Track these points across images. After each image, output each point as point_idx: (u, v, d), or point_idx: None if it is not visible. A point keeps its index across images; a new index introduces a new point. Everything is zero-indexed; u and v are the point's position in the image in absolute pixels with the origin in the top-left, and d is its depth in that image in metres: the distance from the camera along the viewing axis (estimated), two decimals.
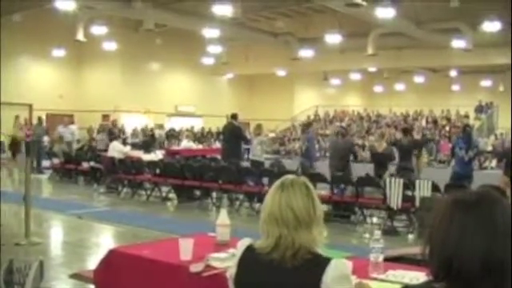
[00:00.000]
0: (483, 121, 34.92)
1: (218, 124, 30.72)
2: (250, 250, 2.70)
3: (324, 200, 12.40)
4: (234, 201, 14.25)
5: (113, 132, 22.59)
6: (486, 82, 39.73)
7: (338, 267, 2.57)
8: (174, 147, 25.18)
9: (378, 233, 3.79)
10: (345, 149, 14.36)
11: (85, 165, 18.92)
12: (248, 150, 18.59)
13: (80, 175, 19.21)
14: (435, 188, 11.03)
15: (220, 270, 3.59)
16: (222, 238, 4.37)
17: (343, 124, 29.95)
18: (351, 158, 14.69)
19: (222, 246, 4.18)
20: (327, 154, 20.32)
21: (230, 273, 2.79)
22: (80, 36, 26.17)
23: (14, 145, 18.31)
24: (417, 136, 15.77)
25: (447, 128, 32.51)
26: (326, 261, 2.56)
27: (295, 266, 2.55)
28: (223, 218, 4.44)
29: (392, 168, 14.11)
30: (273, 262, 2.57)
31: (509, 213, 1.93)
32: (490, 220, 1.89)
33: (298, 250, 2.55)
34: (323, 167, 15.59)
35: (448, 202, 1.99)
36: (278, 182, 2.73)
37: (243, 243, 2.77)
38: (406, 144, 14.18)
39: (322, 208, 2.74)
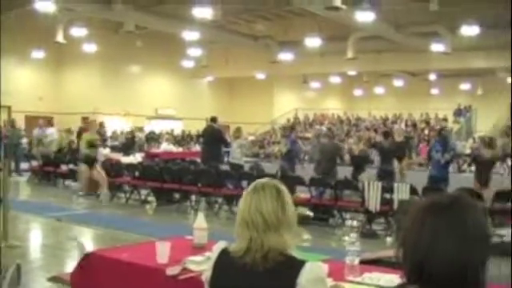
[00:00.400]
0: (462, 124, 35.18)
1: (197, 127, 30.67)
2: (224, 253, 2.72)
3: (303, 203, 12.48)
4: (213, 204, 14.25)
5: (101, 133, 22.47)
6: (464, 86, 40.02)
7: (313, 270, 2.58)
8: (154, 150, 25.14)
9: (353, 236, 3.83)
10: (332, 151, 14.44)
11: (64, 167, 18.83)
12: (228, 152, 18.59)
13: (59, 178, 19.11)
14: (413, 191, 11.10)
15: (196, 273, 3.60)
16: (199, 241, 4.38)
17: (323, 127, 30.04)
18: (338, 160, 14.79)
19: (198, 249, 4.19)
20: (306, 158, 20.41)
21: (206, 276, 2.80)
22: (60, 38, 26.08)
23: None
24: (398, 138, 15.82)
25: (426, 131, 32.75)
26: (300, 263, 2.57)
27: (267, 269, 2.55)
28: (200, 221, 4.45)
29: (372, 171, 14.19)
30: (246, 265, 2.58)
31: (480, 217, 1.95)
32: (461, 224, 1.91)
33: (267, 252, 2.56)
34: (304, 170, 15.66)
35: (421, 205, 2.01)
36: (251, 186, 2.74)
37: (218, 246, 2.79)
38: (386, 147, 14.25)
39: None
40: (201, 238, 4.40)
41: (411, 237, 1.96)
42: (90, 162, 15.68)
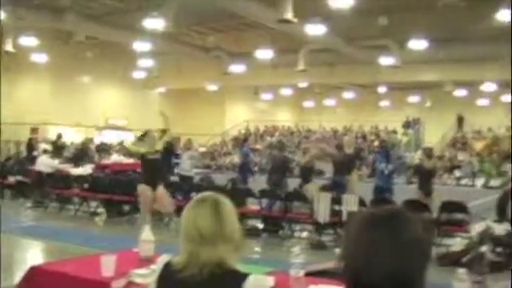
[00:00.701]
0: (411, 136, 35.69)
1: None
2: (168, 266, 2.72)
3: (253, 215, 12.53)
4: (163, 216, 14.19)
5: (59, 146, 22.15)
6: (413, 98, 40.51)
7: (256, 283, 2.59)
8: (105, 161, 24.91)
9: (298, 248, 3.87)
10: (282, 163, 14.54)
11: (11, 179, 18.53)
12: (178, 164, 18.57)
13: (6, 189, 18.79)
14: (361, 203, 11.23)
15: (141, 286, 3.59)
16: (146, 253, 4.38)
17: (274, 139, 30.20)
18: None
19: (145, 262, 4.18)
20: (255, 169, 20.49)
21: None
22: (9, 47, 25.71)
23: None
24: (349, 150, 15.97)
25: (376, 143, 33.12)
26: (243, 276, 2.58)
27: (206, 283, 2.55)
28: (147, 233, 4.45)
29: (319, 182, 14.31)
30: (185, 279, 2.58)
31: (419, 230, 1.99)
32: (399, 236, 1.95)
33: (202, 266, 2.56)
34: (256, 181, 15.71)
35: (361, 217, 2.05)
36: (193, 199, 2.76)
37: (162, 259, 2.79)
38: (339, 159, 14.38)
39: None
40: (147, 251, 4.39)
41: (351, 249, 2.00)
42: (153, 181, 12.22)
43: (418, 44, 23.46)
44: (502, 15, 18.30)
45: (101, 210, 15.23)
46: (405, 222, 1.99)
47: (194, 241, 2.61)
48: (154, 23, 20.95)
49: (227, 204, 2.72)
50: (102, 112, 35.44)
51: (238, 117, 41.12)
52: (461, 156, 31.84)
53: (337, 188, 13.28)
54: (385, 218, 2.00)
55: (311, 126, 40.00)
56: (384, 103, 42.35)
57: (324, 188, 13.83)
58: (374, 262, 1.92)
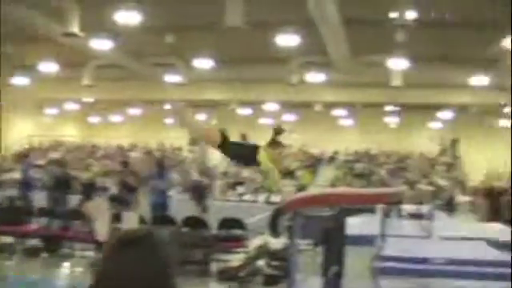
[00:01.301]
0: (196, 153, 36.29)
1: None
2: None
3: (31, 234, 12.18)
4: None
5: None
6: (199, 116, 40.98)
7: None
8: None
9: (79, 268, 3.85)
10: (63, 180, 14.28)
11: None
12: None
13: None
14: (142, 220, 11.28)
15: None
16: None
17: (56, 155, 29.46)
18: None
19: None
20: (38, 185, 19.92)
21: None
22: None
23: None
24: (137, 168, 16.05)
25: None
26: None
27: None
28: None
29: (100, 200, 14.23)
30: None
31: (165, 249, 2.09)
32: (147, 255, 2.04)
33: None
34: (37, 199, 15.32)
35: (115, 237, 2.12)
36: None
37: None
38: (126, 175, 14.39)
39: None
40: None
41: (103, 267, 2.05)
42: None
43: (204, 63, 24.00)
44: (281, 40, 19.28)
45: None
46: (155, 243, 2.09)
47: None
48: None
49: None
50: None
51: (22, 131, 39.58)
52: (245, 173, 32.79)
53: (122, 205, 13.24)
54: (137, 239, 2.08)
55: (97, 141, 39.44)
56: (170, 120, 42.54)
57: (111, 203, 13.78)
58: (124, 280, 1.99)
